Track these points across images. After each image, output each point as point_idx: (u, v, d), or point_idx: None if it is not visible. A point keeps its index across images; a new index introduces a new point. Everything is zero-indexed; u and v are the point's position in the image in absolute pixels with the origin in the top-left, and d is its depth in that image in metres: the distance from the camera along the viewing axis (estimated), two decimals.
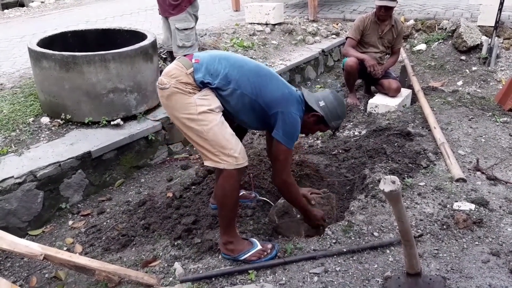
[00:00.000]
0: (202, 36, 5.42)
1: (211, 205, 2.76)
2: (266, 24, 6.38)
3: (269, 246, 2.28)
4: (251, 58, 5.25)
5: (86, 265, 2.13)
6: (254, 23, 6.44)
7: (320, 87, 5.58)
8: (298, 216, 2.60)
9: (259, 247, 2.26)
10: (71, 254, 2.17)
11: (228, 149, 2.07)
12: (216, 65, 2.13)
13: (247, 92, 2.13)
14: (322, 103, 2.28)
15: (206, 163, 2.13)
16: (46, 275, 2.41)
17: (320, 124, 2.33)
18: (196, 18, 3.79)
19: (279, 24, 6.50)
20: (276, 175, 2.30)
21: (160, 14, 3.90)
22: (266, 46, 5.82)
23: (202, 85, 2.10)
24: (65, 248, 2.60)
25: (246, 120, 2.24)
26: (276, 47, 5.87)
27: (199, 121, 2.06)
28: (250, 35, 5.99)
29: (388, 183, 1.65)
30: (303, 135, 3.51)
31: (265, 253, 2.24)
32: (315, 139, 3.80)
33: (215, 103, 2.11)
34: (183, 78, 2.09)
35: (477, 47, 5.85)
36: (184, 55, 2.23)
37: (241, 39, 5.69)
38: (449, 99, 4.42)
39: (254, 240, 2.32)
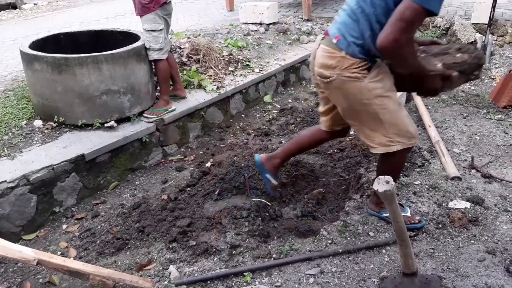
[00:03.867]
0: (196, 37, 5.39)
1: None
2: (261, 24, 6.36)
3: (417, 218, 2.40)
4: (246, 58, 5.24)
5: (80, 270, 2.12)
6: (248, 23, 6.42)
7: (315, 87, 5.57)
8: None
9: (408, 214, 2.38)
10: (65, 258, 2.16)
11: (404, 131, 2.11)
12: (350, 24, 1.98)
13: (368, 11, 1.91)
14: None
15: (375, 150, 2.18)
16: (40, 280, 2.39)
17: None
18: (167, 22, 3.74)
19: (274, 23, 6.48)
20: (385, 34, 1.79)
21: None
22: (261, 46, 5.80)
23: (363, 55, 1.98)
24: (59, 253, 2.58)
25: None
26: (270, 47, 5.86)
27: (375, 105, 2.05)
28: (245, 35, 5.97)
29: (382, 183, 1.64)
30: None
31: (412, 221, 2.36)
32: None
33: (388, 82, 2.06)
34: (344, 62, 2.00)
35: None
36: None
37: (236, 39, 5.67)
38: (443, 97, 4.42)
39: (407, 208, 2.45)
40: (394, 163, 2.25)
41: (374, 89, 2.03)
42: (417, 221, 2.38)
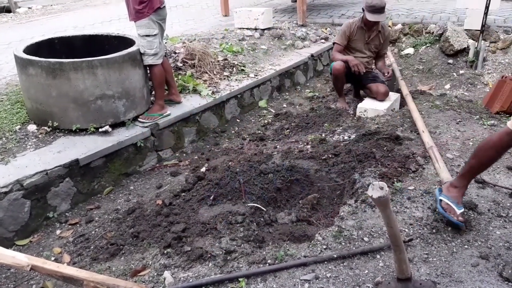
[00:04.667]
0: (191, 42, 5.40)
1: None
2: (255, 29, 6.39)
3: (461, 218, 2.39)
4: (241, 63, 5.25)
5: (74, 276, 2.10)
6: (243, 28, 6.44)
7: (310, 92, 5.60)
8: None
9: (457, 210, 2.38)
10: (58, 264, 2.14)
11: None
12: None
13: None
14: None
15: None
16: (34, 286, 2.37)
17: None
18: (162, 27, 3.75)
19: (268, 29, 6.51)
20: None
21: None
22: (256, 51, 5.82)
23: None
24: (52, 258, 2.57)
25: None
26: (265, 52, 5.88)
27: None
28: (240, 40, 5.99)
29: (376, 189, 1.65)
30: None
31: (453, 215, 2.36)
32: (305, 144, 3.80)
33: None
34: None
35: (464, 51, 5.92)
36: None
37: (231, 44, 5.69)
38: (437, 102, 4.46)
39: (462, 207, 2.43)
40: (493, 143, 2.22)
41: None
42: (456, 218, 2.38)
